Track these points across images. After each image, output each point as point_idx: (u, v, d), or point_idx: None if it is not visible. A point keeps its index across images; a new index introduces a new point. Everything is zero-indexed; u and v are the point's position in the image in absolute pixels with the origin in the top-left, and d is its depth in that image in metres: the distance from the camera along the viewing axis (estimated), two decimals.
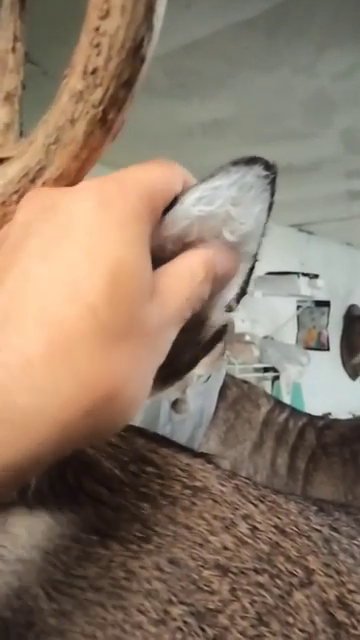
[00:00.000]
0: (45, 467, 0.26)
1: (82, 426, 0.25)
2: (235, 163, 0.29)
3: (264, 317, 2.86)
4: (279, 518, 0.40)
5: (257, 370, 2.62)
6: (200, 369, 1.34)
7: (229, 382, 1.47)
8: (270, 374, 2.71)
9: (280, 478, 1.37)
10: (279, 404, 1.53)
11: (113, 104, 0.27)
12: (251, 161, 0.30)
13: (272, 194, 0.32)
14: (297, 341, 3.16)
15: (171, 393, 1.31)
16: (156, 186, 0.28)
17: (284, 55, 1.41)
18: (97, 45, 0.26)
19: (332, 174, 2.24)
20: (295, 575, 0.37)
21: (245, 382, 1.57)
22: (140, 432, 0.43)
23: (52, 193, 0.28)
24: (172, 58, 1.42)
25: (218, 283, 0.32)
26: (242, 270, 0.33)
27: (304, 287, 2.64)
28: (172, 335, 0.29)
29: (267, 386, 2.79)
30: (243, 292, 0.34)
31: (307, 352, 2.73)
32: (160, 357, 0.28)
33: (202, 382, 1.36)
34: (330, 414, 3.24)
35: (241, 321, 2.67)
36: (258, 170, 0.30)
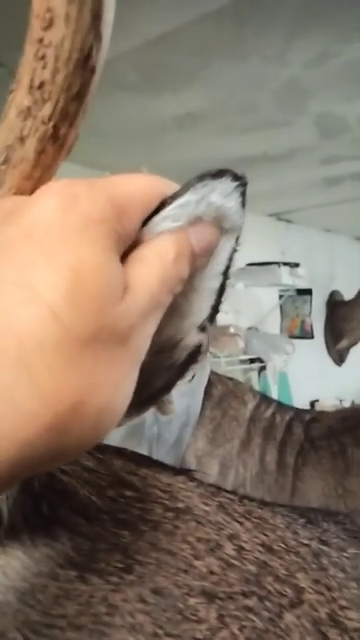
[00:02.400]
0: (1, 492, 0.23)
1: (45, 444, 0.22)
2: (201, 178, 0.27)
3: (247, 308, 2.86)
4: (266, 535, 0.38)
5: (243, 362, 2.62)
6: None
7: (214, 380, 1.46)
8: (256, 365, 2.72)
9: (270, 474, 1.37)
10: (265, 399, 1.53)
11: (64, 119, 0.26)
12: (218, 174, 0.28)
13: (243, 204, 0.31)
14: (281, 330, 3.16)
15: None
16: (130, 194, 0.26)
17: (254, 45, 1.39)
18: (42, 57, 0.24)
19: (308, 161, 2.23)
20: (285, 595, 0.36)
21: (230, 379, 1.56)
22: (119, 453, 0.41)
23: (17, 197, 0.26)
24: (141, 52, 1.39)
25: (199, 259, 0.29)
26: (224, 245, 0.31)
27: (285, 276, 2.63)
28: (151, 327, 0.27)
29: (254, 377, 2.80)
30: (216, 311, 0.32)
31: (292, 341, 2.74)
32: (139, 354, 0.26)
33: (187, 381, 1.34)
34: (318, 401, 3.27)
35: (224, 313, 2.67)
36: (226, 183, 0.28)
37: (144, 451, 1.25)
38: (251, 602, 0.35)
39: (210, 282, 0.32)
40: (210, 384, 1.43)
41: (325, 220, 3.32)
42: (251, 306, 2.90)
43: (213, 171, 0.28)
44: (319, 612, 0.36)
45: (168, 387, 0.33)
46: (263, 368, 2.73)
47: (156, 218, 0.27)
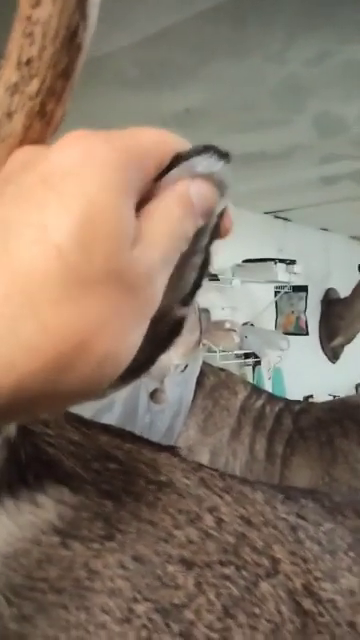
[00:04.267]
0: None
1: (44, 380, 0.23)
2: (207, 147, 0.29)
3: (243, 304, 2.87)
4: (245, 509, 0.40)
5: (238, 357, 2.63)
6: (177, 359, 1.34)
7: (206, 370, 1.48)
8: (251, 360, 2.73)
9: (259, 463, 1.38)
10: (256, 390, 1.54)
11: (51, 95, 0.26)
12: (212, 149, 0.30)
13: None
14: (276, 327, 3.18)
15: (149, 384, 1.30)
16: (146, 146, 0.27)
17: (254, 43, 1.40)
18: (30, 34, 0.25)
19: (306, 160, 2.23)
20: (261, 565, 0.37)
21: (222, 370, 1.57)
22: (105, 429, 0.42)
23: (37, 147, 0.27)
24: (140, 48, 1.40)
25: (201, 217, 0.30)
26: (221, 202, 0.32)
27: (281, 273, 2.65)
28: (162, 282, 0.27)
29: (248, 372, 2.81)
30: (197, 286, 0.33)
31: (286, 337, 2.75)
32: (149, 307, 0.26)
33: (179, 372, 1.36)
34: (312, 396, 3.28)
35: (221, 309, 2.68)
36: (217, 159, 0.30)
37: None
38: (228, 571, 0.36)
39: (193, 256, 0.33)
40: (202, 374, 1.44)
41: (322, 219, 3.33)
42: (247, 302, 2.91)
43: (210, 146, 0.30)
44: (294, 582, 0.37)
45: (150, 361, 0.34)
46: (258, 363, 2.74)
47: (169, 175, 0.28)
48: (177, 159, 0.29)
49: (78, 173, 0.24)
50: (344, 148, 2.12)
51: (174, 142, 0.29)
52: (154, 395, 1.28)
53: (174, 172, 0.29)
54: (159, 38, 1.36)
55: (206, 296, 2.55)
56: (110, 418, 1.18)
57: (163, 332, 0.33)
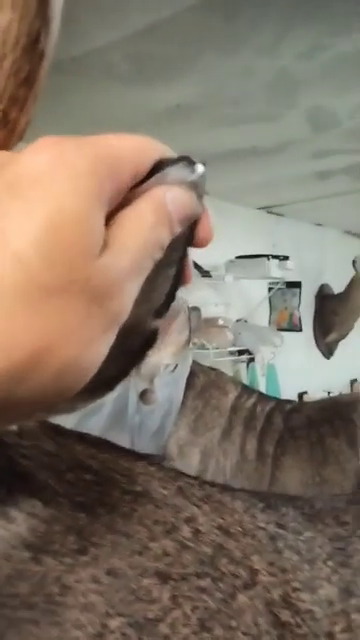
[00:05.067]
0: None
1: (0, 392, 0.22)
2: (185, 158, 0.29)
3: (236, 301, 2.87)
4: (223, 518, 0.39)
5: (232, 353, 2.63)
6: (167, 359, 1.34)
7: (196, 370, 1.47)
8: (245, 357, 2.73)
9: (249, 463, 1.38)
10: (247, 390, 1.54)
11: (13, 104, 0.26)
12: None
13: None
14: (270, 323, 3.18)
15: (139, 384, 1.30)
16: (120, 153, 0.26)
17: (246, 37, 1.39)
18: None
19: (299, 155, 2.23)
20: (238, 577, 0.36)
21: (213, 369, 1.57)
22: (81, 438, 0.42)
23: (6, 153, 0.26)
24: (131, 42, 1.39)
25: (178, 224, 0.29)
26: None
27: (274, 269, 2.65)
28: (131, 290, 0.26)
29: (242, 369, 2.81)
30: (171, 298, 0.33)
31: (280, 333, 2.75)
32: (117, 316, 0.26)
33: (169, 372, 1.35)
34: (306, 393, 3.29)
35: (214, 305, 2.68)
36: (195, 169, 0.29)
37: (126, 440, 1.26)
38: (204, 583, 0.35)
39: (167, 267, 0.32)
40: (192, 374, 1.44)
41: (315, 214, 3.32)
42: (240, 298, 2.91)
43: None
44: (272, 593, 0.37)
45: (122, 374, 0.33)
46: (252, 360, 2.74)
47: (146, 183, 0.28)
48: (156, 168, 0.28)
49: (45, 180, 0.23)
50: (337, 142, 2.12)
51: (152, 150, 0.28)
52: (143, 396, 1.28)
53: (152, 180, 0.28)
54: (150, 32, 1.35)
55: (199, 293, 2.54)
56: (99, 420, 1.18)
57: (136, 344, 0.33)
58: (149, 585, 0.34)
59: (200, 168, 0.30)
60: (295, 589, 0.37)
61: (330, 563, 0.39)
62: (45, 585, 0.33)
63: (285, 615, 0.36)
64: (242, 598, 0.36)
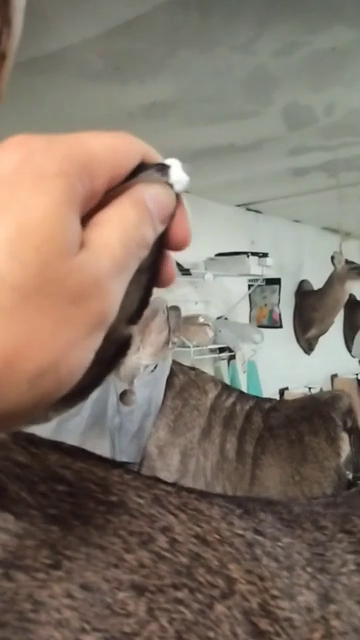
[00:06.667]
0: None
1: None
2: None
3: (216, 298, 2.87)
4: (200, 526, 0.38)
5: (212, 351, 2.63)
6: (146, 359, 1.33)
7: (176, 370, 1.47)
8: (225, 354, 2.74)
9: (230, 463, 1.38)
10: (226, 389, 1.54)
11: None
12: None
13: None
14: (250, 320, 3.18)
15: (119, 385, 1.29)
16: (94, 152, 0.25)
17: (221, 33, 1.38)
18: None
19: (275, 152, 2.23)
20: (216, 586, 0.36)
21: (192, 369, 1.57)
22: (56, 446, 0.41)
23: None
24: (106, 40, 1.37)
25: (159, 222, 0.29)
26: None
27: (254, 266, 2.65)
28: (116, 290, 0.26)
29: (223, 366, 2.82)
30: (144, 305, 0.32)
31: (260, 330, 2.76)
32: (100, 317, 0.25)
33: (149, 372, 1.34)
34: (287, 389, 3.31)
35: (194, 303, 2.67)
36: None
37: (106, 442, 1.25)
38: (181, 594, 0.35)
39: (139, 273, 0.32)
40: (172, 374, 1.43)
41: (293, 210, 3.34)
42: (220, 296, 2.91)
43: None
44: (250, 602, 0.36)
45: (96, 382, 0.32)
46: (232, 357, 2.75)
47: (125, 184, 0.27)
48: (139, 169, 0.28)
49: (13, 180, 0.23)
50: (313, 139, 2.12)
51: (131, 150, 0.27)
52: (123, 397, 1.27)
53: (132, 180, 0.28)
54: (124, 29, 1.33)
55: (179, 291, 2.54)
56: (79, 421, 1.17)
57: (109, 351, 0.32)
58: (125, 598, 0.34)
59: (178, 168, 0.30)
60: (274, 597, 0.37)
61: (309, 569, 0.39)
62: (17, 602, 0.32)
63: (264, 624, 0.36)
64: (220, 608, 0.35)
